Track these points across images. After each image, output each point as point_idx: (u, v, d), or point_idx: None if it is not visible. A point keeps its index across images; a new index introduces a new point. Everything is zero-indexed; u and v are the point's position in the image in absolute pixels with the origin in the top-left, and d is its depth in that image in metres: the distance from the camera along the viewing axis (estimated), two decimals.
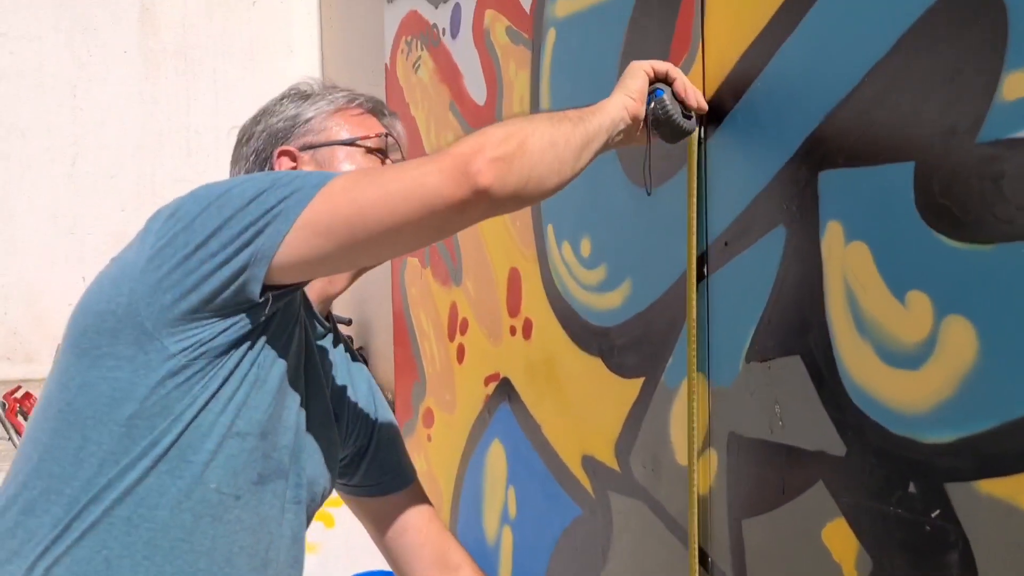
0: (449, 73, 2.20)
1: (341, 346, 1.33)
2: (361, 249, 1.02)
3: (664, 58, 1.36)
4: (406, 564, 1.37)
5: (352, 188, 0.99)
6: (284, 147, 1.22)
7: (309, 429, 1.15)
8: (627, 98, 1.18)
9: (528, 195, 1.03)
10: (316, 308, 1.22)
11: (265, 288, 1.00)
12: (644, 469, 1.50)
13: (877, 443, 1.05)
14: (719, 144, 1.30)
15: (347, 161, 1.22)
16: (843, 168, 1.09)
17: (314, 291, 1.20)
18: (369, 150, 1.23)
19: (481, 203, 0.97)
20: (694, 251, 1.32)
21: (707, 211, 1.32)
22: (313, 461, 1.18)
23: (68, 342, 1.05)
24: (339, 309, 1.38)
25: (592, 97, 1.57)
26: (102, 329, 1.01)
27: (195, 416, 1.01)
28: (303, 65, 3.04)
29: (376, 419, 1.38)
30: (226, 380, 1.02)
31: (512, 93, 1.89)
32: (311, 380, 1.16)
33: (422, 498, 1.41)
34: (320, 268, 1.06)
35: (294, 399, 1.11)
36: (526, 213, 1.84)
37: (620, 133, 1.17)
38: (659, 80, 1.22)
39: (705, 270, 1.33)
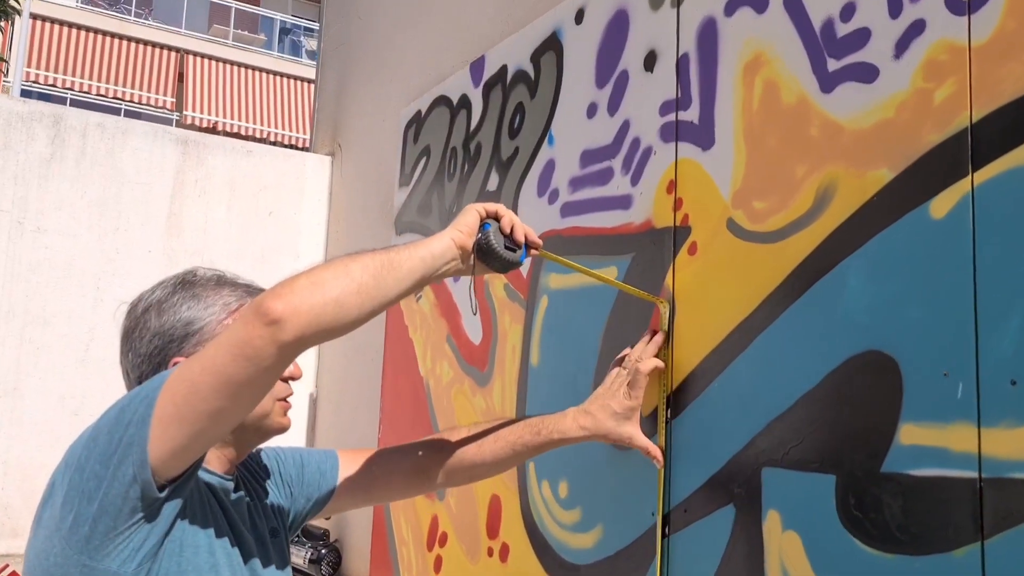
0: (448, 310, 2.50)
1: (247, 479, 1.43)
2: (215, 418, 1.09)
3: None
4: (408, 487, 1.60)
5: (183, 370, 1.10)
6: (177, 358, 1.25)
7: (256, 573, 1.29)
8: (456, 232, 1.29)
9: (328, 319, 1.09)
10: (222, 471, 1.33)
11: (164, 484, 1.12)
12: None
13: None
14: (682, 426, 1.57)
15: None
16: (782, 468, 1.36)
17: (213, 462, 1.31)
18: None
19: (281, 335, 1.05)
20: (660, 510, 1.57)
21: (671, 480, 1.57)
22: None
23: None
24: None
25: (577, 361, 1.86)
26: None
27: None
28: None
29: (293, 491, 1.51)
30: (180, 570, 1.16)
31: (506, 341, 2.17)
32: (240, 537, 1.30)
33: (355, 457, 1.58)
34: (193, 449, 1.13)
35: (237, 562, 1.26)
36: None
37: (450, 263, 1.27)
38: (490, 218, 1.34)
39: (667, 530, 1.57)
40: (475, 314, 1.51)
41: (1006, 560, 1.03)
